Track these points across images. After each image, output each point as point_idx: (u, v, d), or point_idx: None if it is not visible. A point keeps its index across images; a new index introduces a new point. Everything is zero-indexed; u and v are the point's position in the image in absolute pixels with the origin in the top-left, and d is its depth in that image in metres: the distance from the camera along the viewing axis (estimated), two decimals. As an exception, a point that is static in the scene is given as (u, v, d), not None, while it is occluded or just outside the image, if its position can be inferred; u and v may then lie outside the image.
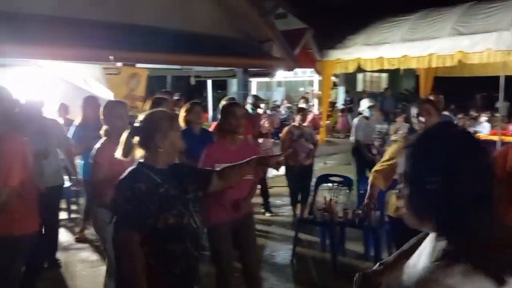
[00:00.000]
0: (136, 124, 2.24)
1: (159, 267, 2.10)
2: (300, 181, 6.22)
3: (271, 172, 7.36)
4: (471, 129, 10.05)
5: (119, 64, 7.61)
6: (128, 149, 2.22)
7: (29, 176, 2.80)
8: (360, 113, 7.45)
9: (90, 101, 5.07)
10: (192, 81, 9.51)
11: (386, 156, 3.44)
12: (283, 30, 10.28)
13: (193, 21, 8.22)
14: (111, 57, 6.85)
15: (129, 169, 2.21)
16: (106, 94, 7.42)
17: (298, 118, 6.24)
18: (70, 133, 4.91)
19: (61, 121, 5.82)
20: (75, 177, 4.71)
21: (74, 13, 6.78)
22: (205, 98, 16.31)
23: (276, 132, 10.95)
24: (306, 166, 6.27)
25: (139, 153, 2.21)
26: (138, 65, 8.08)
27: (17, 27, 5.89)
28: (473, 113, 11.20)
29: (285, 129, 6.38)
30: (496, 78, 8.03)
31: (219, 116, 3.77)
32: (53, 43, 6.25)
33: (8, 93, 2.81)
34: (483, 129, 10.23)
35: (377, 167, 3.46)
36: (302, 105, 9.13)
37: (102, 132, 3.36)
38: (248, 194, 3.48)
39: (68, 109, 6.99)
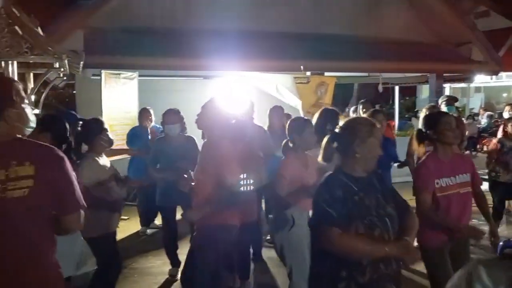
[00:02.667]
0: (337, 130, 2.27)
1: (346, 275, 2.08)
2: (506, 199, 5.49)
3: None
4: None
5: (308, 73, 7.86)
6: (329, 154, 2.27)
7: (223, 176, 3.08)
8: None
9: (276, 111, 5.37)
10: (380, 88, 9.22)
11: None
12: (485, 30, 9.23)
13: (382, 27, 8.01)
14: (302, 67, 7.12)
15: (328, 174, 2.24)
16: (295, 102, 7.76)
17: (510, 127, 5.50)
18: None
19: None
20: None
21: (268, 27, 7.26)
22: (392, 105, 15.73)
23: (473, 143, 9.87)
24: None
25: (336, 158, 2.24)
26: (326, 73, 8.22)
27: (220, 43, 6.57)
28: None
29: (494, 139, 5.76)
30: None
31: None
32: (250, 56, 6.80)
33: (224, 104, 3.18)
34: None
35: None
36: (506, 113, 8.01)
37: (289, 144, 3.47)
38: (469, 212, 3.14)
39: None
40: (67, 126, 2.71)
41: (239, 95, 6.74)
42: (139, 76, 7.45)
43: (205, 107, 3.22)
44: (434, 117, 3.23)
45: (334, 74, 8.29)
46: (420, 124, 5.64)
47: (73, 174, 1.91)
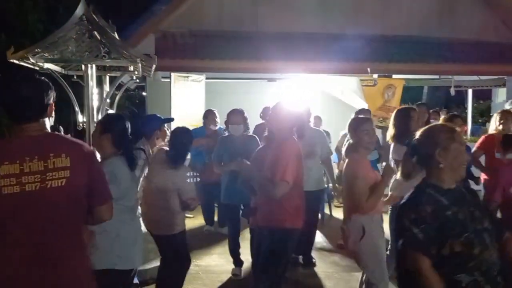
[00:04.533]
0: (414, 141, 2.14)
1: None
2: None
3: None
4: None
5: (375, 75, 7.68)
6: (408, 170, 2.16)
7: (300, 177, 3.14)
8: None
9: (363, 113, 5.34)
10: (452, 91, 8.81)
11: None
12: None
13: (455, 27, 7.67)
14: (368, 69, 6.98)
15: (414, 188, 2.09)
16: (361, 105, 7.60)
17: None
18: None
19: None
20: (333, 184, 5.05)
21: (334, 29, 7.18)
22: (464, 109, 14.94)
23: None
24: None
25: (421, 173, 2.10)
26: (394, 76, 7.98)
27: (285, 45, 6.60)
28: None
29: None
30: None
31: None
32: (315, 58, 6.77)
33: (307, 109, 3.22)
34: None
35: None
36: None
37: (351, 146, 3.43)
38: None
39: (321, 121, 7.31)
40: (128, 126, 2.80)
41: (296, 99, 6.74)
42: (206, 78, 7.64)
43: (277, 108, 3.28)
44: None
45: (403, 76, 8.03)
46: (491, 128, 5.33)
47: (101, 168, 2.06)
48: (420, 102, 7.66)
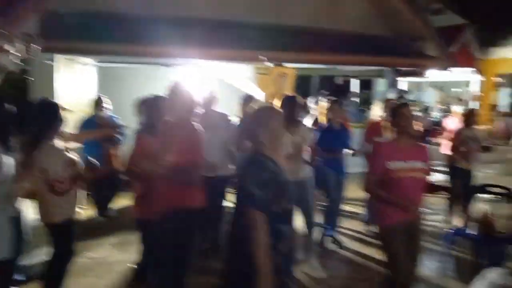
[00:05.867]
0: (243, 120, 2.50)
1: (272, 245, 2.30)
2: (463, 186, 5.81)
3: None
4: None
5: (269, 64, 7.91)
6: (241, 144, 2.46)
7: (199, 159, 3.14)
8: None
9: (249, 100, 5.44)
10: (339, 80, 9.43)
11: None
12: (439, 26, 9.59)
13: (341, 20, 8.16)
14: (262, 57, 7.16)
15: (253, 157, 2.41)
16: (256, 93, 7.80)
17: (469, 118, 5.84)
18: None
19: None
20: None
21: (230, 16, 7.25)
22: (350, 97, 16.03)
23: (426, 135, 10.25)
24: (471, 171, 5.91)
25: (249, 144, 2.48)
26: (286, 64, 8.29)
27: (181, 30, 6.51)
28: None
29: (456, 130, 6.09)
30: None
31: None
32: (211, 44, 6.77)
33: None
34: None
35: None
36: (455, 107, 8.43)
37: None
38: (421, 193, 3.36)
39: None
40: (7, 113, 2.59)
41: (201, 84, 6.75)
42: (99, 62, 7.26)
43: (174, 90, 3.24)
44: (394, 108, 3.51)
45: (294, 65, 8.38)
46: (372, 115, 6.02)
47: None
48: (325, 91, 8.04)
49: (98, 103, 5.94)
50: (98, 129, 5.77)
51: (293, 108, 4.38)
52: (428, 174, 3.40)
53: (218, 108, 5.25)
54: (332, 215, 5.41)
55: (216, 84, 8.18)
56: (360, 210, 6.24)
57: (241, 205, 2.37)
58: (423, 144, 3.48)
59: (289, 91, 8.08)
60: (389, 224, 3.29)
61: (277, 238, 2.33)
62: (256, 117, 2.51)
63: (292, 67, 8.34)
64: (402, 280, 3.26)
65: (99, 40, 6.17)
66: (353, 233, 5.79)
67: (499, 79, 14.09)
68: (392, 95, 6.83)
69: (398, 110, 3.41)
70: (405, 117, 3.31)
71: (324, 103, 5.89)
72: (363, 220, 5.94)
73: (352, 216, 6.33)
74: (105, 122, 5.85)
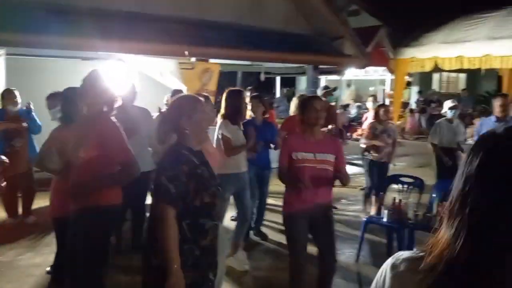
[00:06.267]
0: (163, 110, 2.42)
1: (192, 238, 2.29)
2: (377, 177, 6.17)
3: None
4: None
5: (193, 59, 7.85)
6: (162, 136, 2.39)
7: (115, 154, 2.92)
8: (443, 115, 7.05)
9: (177, 95, 5.35)
10: (262, 77, 9.58)
11: None
12: (355, 27, 10.07)
13: (265, 18, 8.29)
14: (186, 52, 7.09)
15: (171, 149, 2.35)
16: (180, 88, 7.70)
17: (381, 112, 6.18)
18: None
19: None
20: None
21: (153, 9, 7.08)
22: (274, 94, 16.38)
23: (345, 131, 10.73)
24: (385, 163, 6.24)
25: (174, 137, 2.39)
26: (211, 60, 8.28)
27: (101, 23, 6.25)
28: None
29: (368, 123, 6.45)
30: None
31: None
32: (133, 38, 6.57)
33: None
34: None
35: None
36: (370, 104, 8.94)
37: None
38: (325, 184, 3.44)
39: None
40: None
41: (121, 77, 6.52)
42: (8, 54, 6.77)
43: (90, 79, 2.97)
44: (303, 101, 3.60)
45: (218, 61, 8.39)
46: (292, 110, 6.23)
47: None
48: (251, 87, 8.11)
49: (6, 96, 5.53)
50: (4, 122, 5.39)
51: (238, 101, 4.52)
52: (339, 167, 3.45)
53: (141, 103, 5.13)
54: (258, 210, 5.52)
55: (139, 79, 7.99)
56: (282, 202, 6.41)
57: (153, 199, 2.31)
58: (335, 138, 3.60)
59: (213, 87, 8.09)
60: (290, 211, 3.42)
61: (198, 233, 2.30)
62: (178, 106, 2.41)
63: (216, 63, 8.34)
64: (300, 263, 3.40)
65: (10, 30, 5.75)
66: (276, 225, 5.92)
67: (409, 78, 15.13)
68: (319, 92, 7.06)
69: (307, 103, 3.46)
70: (314, 110, 3.36)
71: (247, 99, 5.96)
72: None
73: (275, 208, 6.48)
74: (13, 116, 5.48)
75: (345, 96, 18.71)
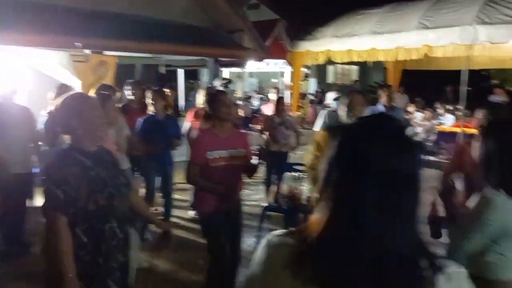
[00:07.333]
0: (53, 112, 2.28)
1: (89, 244, 2.17)
2: (275, 166, 6.39)
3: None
4: (435, 122, 10.39)
5: (87, 51, 7.49)
6: (52, 138, 2.27)
7: None
8: (328, 106, 7.56)
9: (64, 90, 5.06)
10: (162, 70, 9.43)
11: None
12: (255, 21, 10.31)
13: (163, 9, 8.17)
14: (78, 44, 6.75)
15: (58, 153, 2.24)
16: (73, 82, 7.32)
17: (275, 106, 6.45)
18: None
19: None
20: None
21: (41, -1, 6.65)
22: (176, 87, 16.16)
23: (246, 122, 11.00)
24: (284, 153, 6.51)
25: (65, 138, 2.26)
26: (107, 52, 7.97)
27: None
28: (438, 106, 11.50)
29: (267, 116, 6.68)
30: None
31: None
32: (19, 28, 6.12)
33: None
34: (447, 121, 10.60)
35: None
36: (272, 95, 9.25)
37: None
38: (238, 179, 3.55)
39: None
40: None
41: (4, 73, 6.05)
42: None
43: None
44: (212, 96, 3.59)
45: (115, 53, 8.10)
46: (198, 102, 6.23)
47: None
48: (133, 79, 7.94)
49: None
50: None
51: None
52: (248, 160, 3.54)
53: (32, 100, 4.84)
54: (165, 207, 5.53)
55: (26, 73, 7.45)
56: (186, 197, 6.42)
57: (42, 206, 2.18)
58: (243, 131, 3.68)
59: (110, 80, 7.79)
60: (207, 212, 3.44)
61: (96, 238, 2.20)
62: (67, 106, 2.27)
63: (112, 55, 8.04)
64: (221, 264, 3.43)
65: None
66: (180, 220, 5.93)
67: (307, 70, 15.85)
68: (217, 83, 7.17)
69: (216, 97, 3.46)
70: (223, 104, 3.37)
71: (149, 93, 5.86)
72: (190, 207, 6.13)
73: (179, 204, 6.47)
74: None
75: (249, 87, 19.07)
